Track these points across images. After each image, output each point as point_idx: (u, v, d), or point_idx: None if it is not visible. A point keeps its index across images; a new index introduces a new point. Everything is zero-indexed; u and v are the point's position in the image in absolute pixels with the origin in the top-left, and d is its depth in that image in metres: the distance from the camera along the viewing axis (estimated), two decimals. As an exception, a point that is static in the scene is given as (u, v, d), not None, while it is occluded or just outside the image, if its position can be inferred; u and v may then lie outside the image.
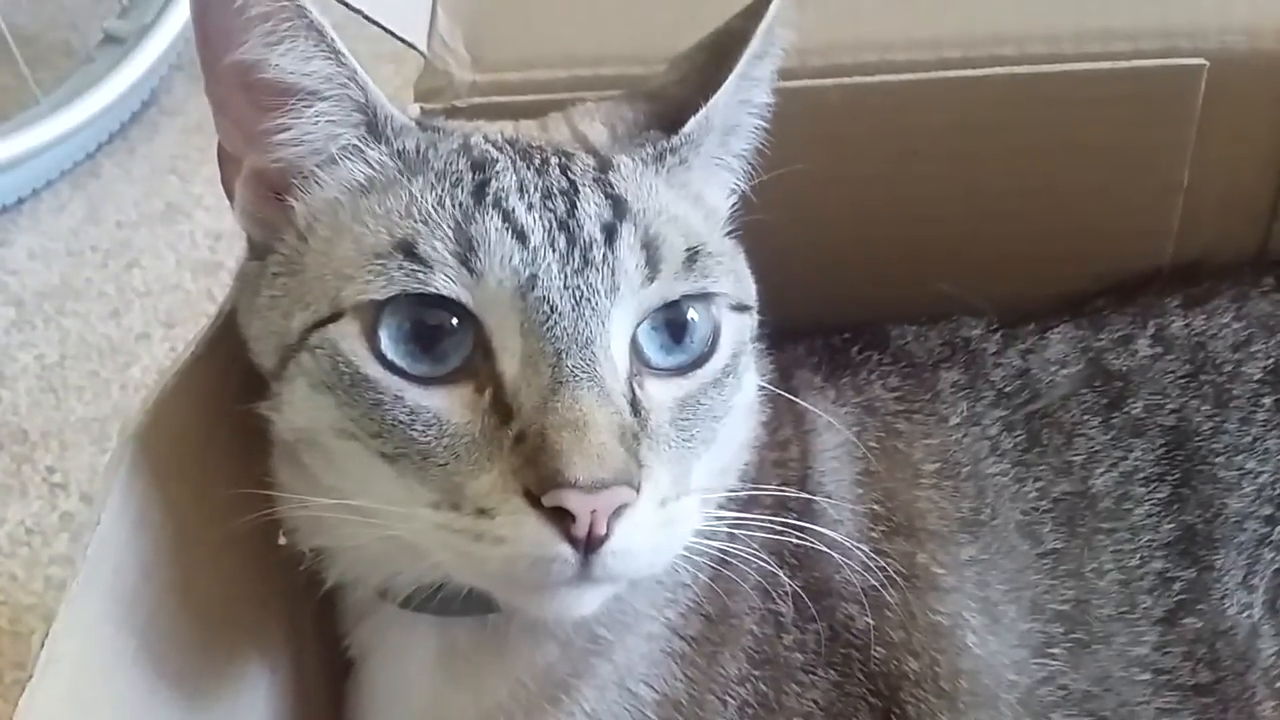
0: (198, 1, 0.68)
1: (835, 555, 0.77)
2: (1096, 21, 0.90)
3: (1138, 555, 0.82)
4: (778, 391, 0.81)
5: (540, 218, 0.66)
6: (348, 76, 0.69)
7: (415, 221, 0.66)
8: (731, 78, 0.74)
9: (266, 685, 0.82)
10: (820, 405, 0.85)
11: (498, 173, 0.68)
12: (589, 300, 0.65)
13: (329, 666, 0.86)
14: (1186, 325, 0.90)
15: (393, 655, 0.81)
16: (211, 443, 0.76)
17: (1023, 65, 0.89)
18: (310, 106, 0.69)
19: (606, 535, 0.62)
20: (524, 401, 0.64)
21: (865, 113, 0.90)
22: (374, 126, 0.71)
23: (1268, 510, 0.83)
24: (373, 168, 0.70)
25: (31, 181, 1.65)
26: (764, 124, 0.78)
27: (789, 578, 0.76)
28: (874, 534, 0.81)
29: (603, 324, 0.65)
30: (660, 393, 0.68)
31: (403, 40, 0.90)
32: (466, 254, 0.65)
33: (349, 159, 0.70)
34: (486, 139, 0.72)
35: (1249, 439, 0.85)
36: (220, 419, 0.75)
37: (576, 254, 0.66)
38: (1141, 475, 0.84)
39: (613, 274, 0.66)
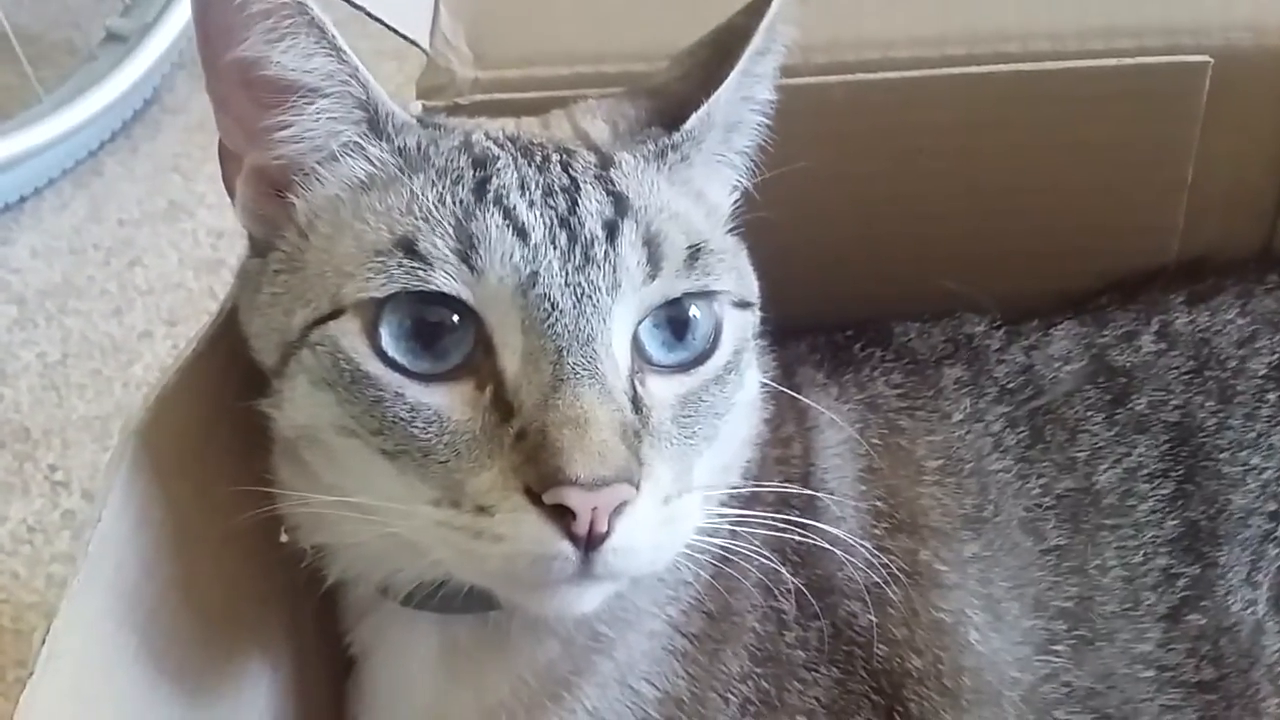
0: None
1: (838, 552, 0.77)
2: (1100, 18, 0.90)
3: (1141, 552, 0.82)
4: (780, 388, 0.80)
5: (541, 215, 0.66)
6: (349, 74, 0.69)
7: (416, 219, 0.66)
8: (733, 74, 0.74)
9: (268, 682, 0.82)
10: (823, 402, 0.85)
11: (499, 170, 0.68)
12: (590, 297, 0.65)
13: (330, 664, 0.86)
14: (1191, 321, 0.90)
15: (394, 653, 0.81)
16: (212, 440, 0.76)
17: (1026, 62, 0.89)
18: (311, 104, 0.69)
19: (607, 533, 0.62)
20: (525, 399, 0.64)
21: (869, 110, 0.90)
22: (375, 123, 0.71)
23: (1272, 506, 0.83)
24: (374, 165, 0.70)
25: (34, 180, 1.65)
26: (767, 121, 0.78)
27: (791, 575, 0.76)
28: (877, 531, 0.81)
29: (604, 321, 0.65)
30: (662, 390, 0.68)
31: (405, 37, 0.90)
32: (467, 251, 0.65)
33: (350, 156, 0.70)
34: (488, 136, 0.72)
35: (1253, 435, 0.85)
36: (221, 416, 0.75)
37: (578, 251, 0.66)
38: (1145, 471, 0.84)
39: (614, 271, 0.66)
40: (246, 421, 0.74)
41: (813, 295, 0.84)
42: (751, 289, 0.75)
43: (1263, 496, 0.83)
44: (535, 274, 0.65)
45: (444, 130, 0.72)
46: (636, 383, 0.67)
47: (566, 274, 0.65)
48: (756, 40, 0.74)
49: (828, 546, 0.76)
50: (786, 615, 0.78)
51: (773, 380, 0.80)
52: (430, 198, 0.67)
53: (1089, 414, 0.86)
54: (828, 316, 0.92)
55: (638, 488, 0.63)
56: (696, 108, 0.74)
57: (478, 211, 0.66)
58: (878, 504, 0.82)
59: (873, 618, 0.78)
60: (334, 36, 0.68)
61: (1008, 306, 0.92)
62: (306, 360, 0.68)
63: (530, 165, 0.69)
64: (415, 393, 0.65)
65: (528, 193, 0.67)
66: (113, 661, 0.67)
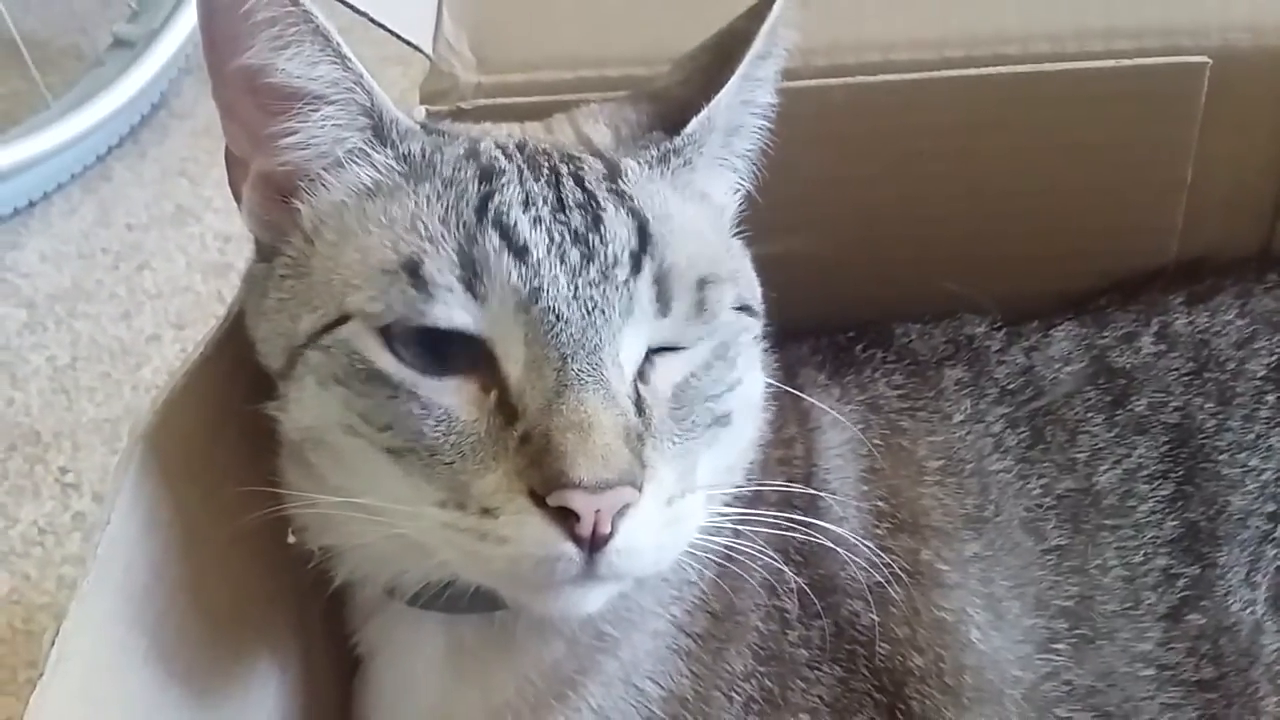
0: (204, 6, 0.68)
1: (840, 552, 0.77)
2: (1099, 20, 0.90)
3: (1141, 552, 0.82)
4: (782, 389, 0.81)
5: (548, 230, 0.66)
6: (353, 81, 0.70)
7: (421, 239, 0.66)
8: (734, 78, 0.74)
9: (276, 683, 0.82)
10: (825, 403, 0.85)
11: (504, 184, 0.68)
12: (602, 311, 0.65)
13: (337, 664, 0.86)
14: (1190, 322, 0.90)
15: (401, 653, 0.81)
16: (220, 443, 0.77)
17: (1026, 64, 0.89)
18: (316, 110, 0.70)
19: (611, 534, 0.63)
20: (529, 403, 0.65)
21: (869, 112, 0.90)
22: (380, 130, 0.71)
23: (1271, 507, 0.83)
24: (379, 171, 0.71)
25: (42, 185, 1.65)
26: (768, 124, 0.78)
27: (794, 574, 0.76)
28: (879, 530, 0.81)
29: (614, 336, 0.66)
30: (660, 381, 0.69)
31: (408, 43, 0.90)
32: (471, 278, 0.65)
33: (355, 163, 0.71)
34: (496, 144, 0.72)
35: (1252, 436, 0.85)
36: (228, 419, 0.76)
37: (593, 269, 0.66)
38: (1145, 472, 0.84)
39: (630, 299, 0.66)
40: (253, 424, 0.74)
41: (814, 297, 0.84)
42: (753, 292, 0.76)
43: (1261, 498, 0.83)
44: (538, 290, 0.65)
45: (449, 137, 0.73)
46: (639, 385, 0.68)
47: (576, 288, 0.65)
48: (757, 44, 0.74)
49: (830, 546, 0.76)
50: (789, 614, 0.79)
51: (775, 381, 0.80)
52: (435, 214, 0.67)
53: (1089, 415, 0.86)
54: (829, 318, 0.93)
55: (641, 489, 0.64)
56: (697, 112, 0.74)
57: (479, 235, 0.66)
58: (880, 504, 0.82)
59: (875, 617, 0.78)
60: (338, 44, 0.69)
61: (1008, 307, 0.92)
62: (315, 361, 0.68)
63: (538, 179, 0.69)
64: (427, 389, 0.66)
65: (533, 208, 0.67)
66: (122, 663, 0.68)
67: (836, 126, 0.89)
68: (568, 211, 0.68)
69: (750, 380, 0.74)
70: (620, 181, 0.71)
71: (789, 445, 0.84)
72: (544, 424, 0.63)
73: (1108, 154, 0.93)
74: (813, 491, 0.81)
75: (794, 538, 0.75)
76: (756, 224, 0.80)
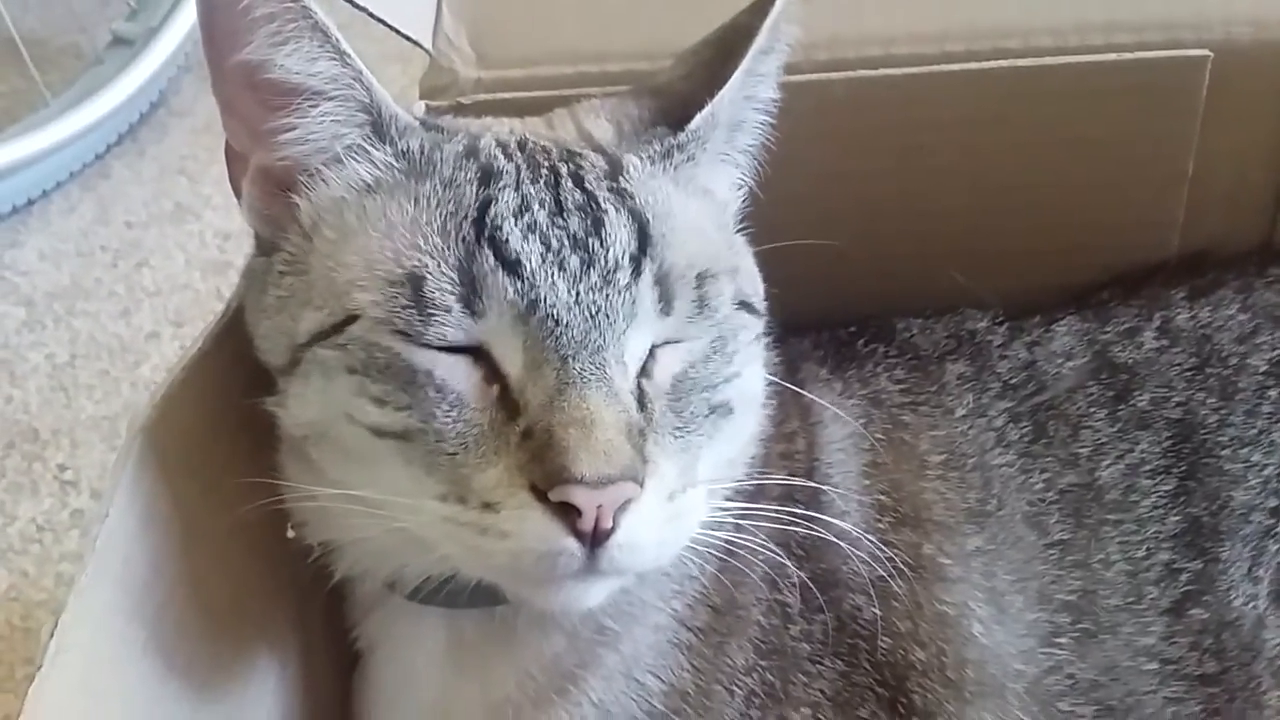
0: (204, 2, 0.68)
1: (842, 546, 0.77)
2: (1100, 14, 0.90)
3: (1144, 546, 0.82)
4: (784, 384, 0.81)
5: (544, 237, 0.66)
6: (352, 77, 0.70)
7: (422, 253, 0.66)
8: (737, 74, 0.74)
9: (275, 677, 0.82)
10: (827, 398, 0.85)
11: (502, 189, 0.68)
12: (606, 314, 0.66)
13: (338, 658, 0.86)
14: (1192, 317, 0.90)
15: (401, 647, 0.81)
16: (219, 437, 0.77)
17: (1027, 58, 0.90)
18: (315, 106, 0.70)
19: (612, 529, 0.63)
20: (530, 399, 0.65)
21: (870, 107, 0.90)
22: (379, 127, 0.71)
23: (1273, 503, 0.83)
24: (378, 168, 0.71)
25: (41, 183, 1.65)
26: (770, 120, 0.78)
27: (796, 568, 0.76)
28: (881, 525, 0.81)
29: (619, 337, 0.66)
30: (660, 373, 0.69)
31: (408, 38, 0.90)
32: (470, 296, 0.65)
33: (354, 159, 0.71)
34: (497, 142, 0.72)
35: (1254, 431, 0.85)
36: (228, 414, 0.76)
37: (594, 273, 0.66)
38: (1148, 467, 0.84)
39: (634, 302, 0.67)
40: (252, 419, 0.74)
41: (815, 292, 0.84)
42: (756, 289, 0.76)
43: (1263, 493, 0.83)
44: (535, 301, 0.65)
45: (448, 133, 0.72)
46: (641, 381, 0.68)
47: (577, 293, 0.65)
48: (760, 39, 0.74)
49: (832, 540, 0.76)
50: (791, 608, 0.78)
51: (777, 376, 0.80)
52: (435, 223, 0.67)
53: (1091, 410, 0.86)
54: (831, 313, 0.93)
55: (642, 485, 0.64)
56: (700, 107, 0.74)
57: (477, 252, 0.66)
58: (881, 498, 0.82)
59: (877, 611, 0.78)
60: (337, 40, 0.69)
61: (1010, 302, 0.92)
62: (325, 357, 0.68)
63: (537, 181, 0.69)
64: (444, 370, 0.66)
65: (529, 213, 0.67)
66: (121, 656, 0.68)
67: (837, 121, 0.89)
68: (566, 215, 0.67)
69: (750, 375, 0.74)
70: (622, 179, 0.71)
71: (791, 440, 0.84)
72: (546, 419, 0.63)
73: (1109, 148, 0.93)
74: (815, 485, 0.81)
75: (796, 532, 0.75)
76: (758, 219, 0.80)
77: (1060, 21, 0.90)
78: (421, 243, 0.67)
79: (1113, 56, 0.89)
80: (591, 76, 0.89)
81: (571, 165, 0.71)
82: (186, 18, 1.72)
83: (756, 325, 0.75)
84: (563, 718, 0.77)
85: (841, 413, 0.84)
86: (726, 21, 0.77)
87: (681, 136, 0.74)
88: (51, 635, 0.62)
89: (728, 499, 0.74)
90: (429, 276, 0.65)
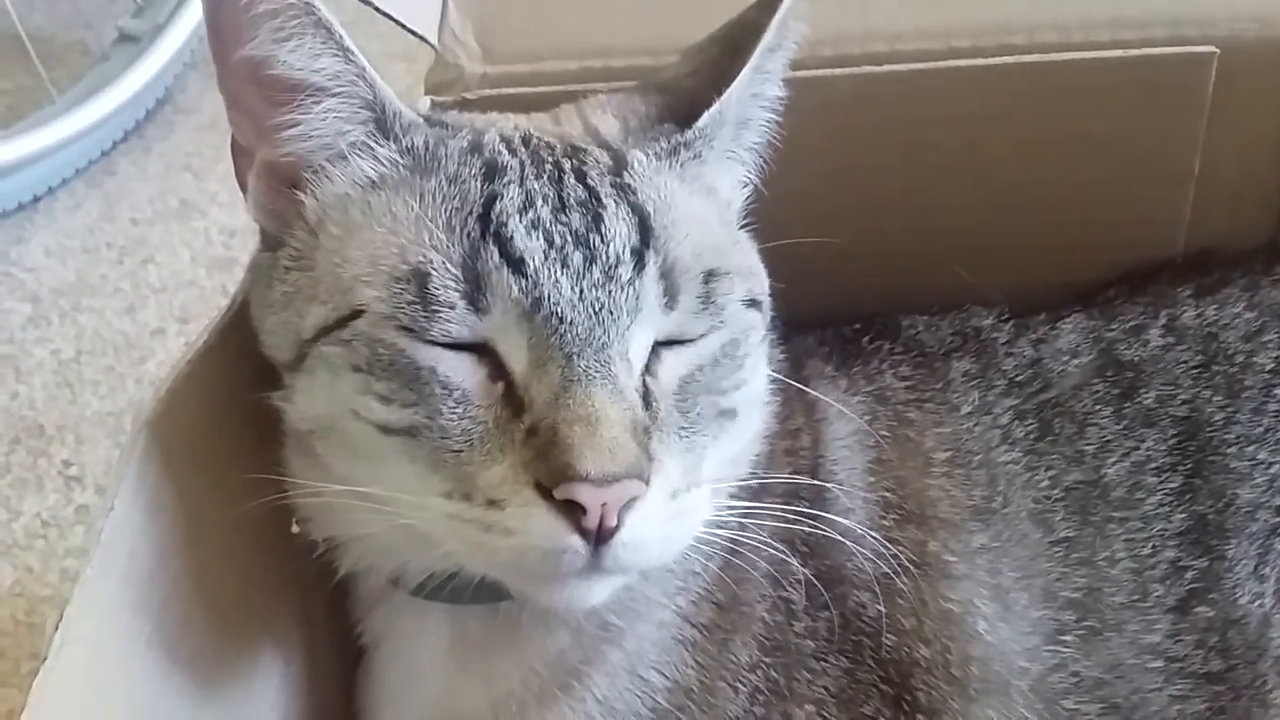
0: None
1: (847, 543, 0.77)
2: (1106, 10, 0.90)
3: (1150, 544, 0.82)
4: (789, 381, 0.81)
5: (547, 234, 0.66)
6: (356, 74, 0.70)
7: (427, 248, 0.66)
8: (745, 71, 0.74)
9: (279, 672, 0.82)
10: (832, 395, 0.85)
11: (506, 185, 0.68)
12: (610, 312, 0.65)
13: (341, 653, 0.86)
14: (1198, 315, 0.89)
15: (405, 643, 0.81)
16: (224, 432, 0.77)
17: (1032, 54, 0.89)
18: (319, 103, 0.70)
19: (617, 527, 0.63)
20: (535, 396, 0.65)
21: (875, 103, 0.90)
22: (382, 124, 0.71)
23: (1279, 500, 0.83)
24: (383, 164, 0.71)
25: (47, 179, 1.65)
26: (776, 118, 0.78)
27: (800, 565, 0.76)
28: (885, 522, 0.81)
29: (622, 333, 0.66)
30: (665, 374, 0.69)
31: (414, 33, 0.91)
32: (474, 293, 0.65)
33: (359, 155, 0.71)
34: (501, 138, 0.72)
35: (1261, 429, 0.85)
36: (233, 408, 0.76)
37: (597, 270, 0.66)
38: (1153, 465, 0.84)
39: (637, 297, 0.66)
40: (257, 414, 0.74)
41: (820, 289, 0.84)
42: (761, 285, 0.76)
43: (1270, 491, 0.83)
44: (539, 299, 0.65)
45: (453, 129, 0.72)
46: (647, 379, 0.68)
47: (580, 290, 0.65)
48: (768, 37, 0.74)
49: (837, 537, 0.76)
50: (795, 605, 0.78)
51: (781, 373, 0.80)
52: (440, 219, 0.67)
53: (1097, 407, 0.86)
54: (835, 310, 0.92)
55: (647, 483, 0.64)
56: (708, 104, 0.74)
57: (482, 248, 0.66)
58: (886, 495, 0.82)
59: (881, 608, 0.78)
60: (341, 36, 0.69)
61: (1015, 299, 0.92)
62: (330, 353, 0.68)
63: (540, 177, 0.69)
64: (447, 367, 0.66)
65: (533, 210, 0.67)
66: (125, 649, 0.68)
67: (843, 117, 0.89)
68: (568, 211, 0.67)
69: (755, 375, 0.74)
70: (626, 174, 0.71)
71: (796, 436, 0.84)
72: (551, 417, 0.63)
73: (1114, 145, 0.93)
74: (819, 483, 0.80)
75: (800, 529, 0.75)
76: (763, 216, 0.80)
77: (1066, 18, 0.90)
78: (426, 238, 0.67)
79: (1118, 53, 0.89)
80: (596, 72, 0.89)
81: (575, 161, 0.71)
82: (192, 14, 1.72)
83: (762, 323, 0.75)
84: (566, 714, 0.77)
85: (846, 410, 0.84)
86: (733, 18, 0.77)
87: (689, 134, 0.74)
88: (56, 628, 0.62)
89: (732, 496, 0.73)
90: (434, 273, 0.66)
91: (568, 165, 0.70)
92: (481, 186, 0.68)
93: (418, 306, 0.65)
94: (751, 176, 0.80)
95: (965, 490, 0.83)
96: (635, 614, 0.78)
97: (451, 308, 0.65)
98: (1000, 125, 0.91)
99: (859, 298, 0.92)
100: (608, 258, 0.66)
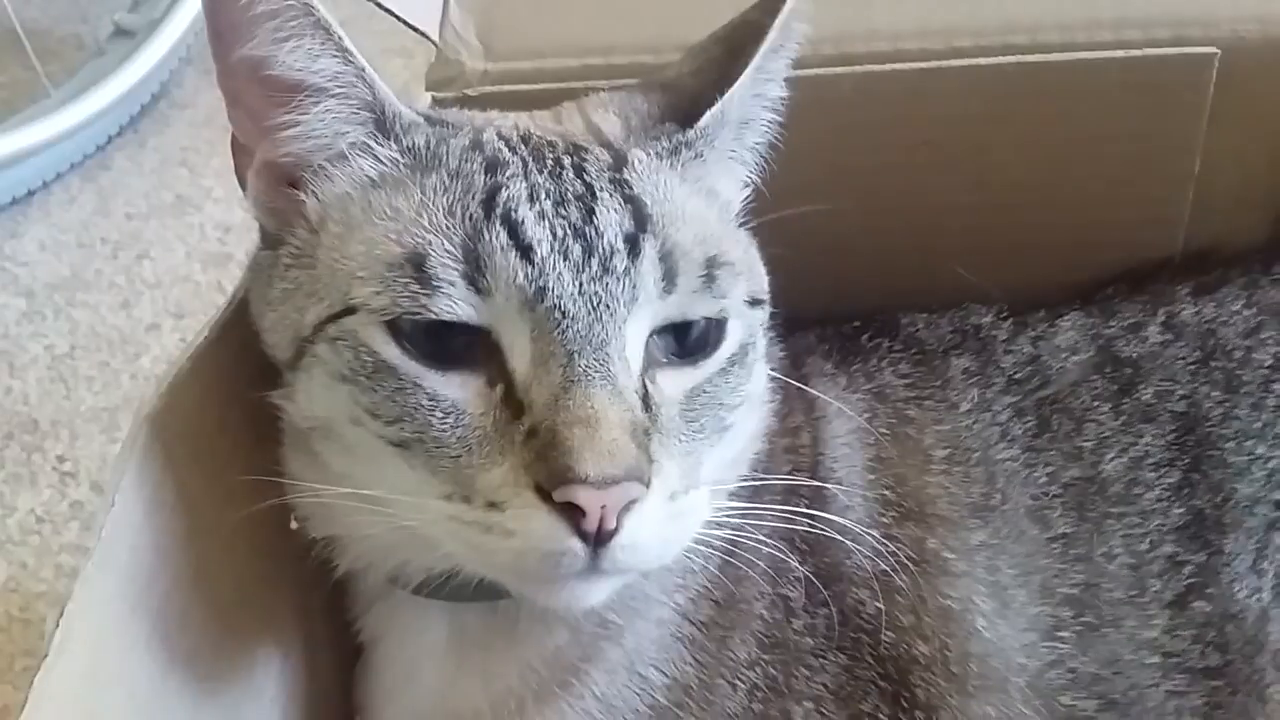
0: None
1: (846, 541, 0.77)
2: (1108, 10, 0.90)
3: (1147, 539, 0.82)
4: (788, 380, 0.81)
5: (551, 226, 0.66)
6: (355, 74, 0.69)
7: (425, 231, 0.66)
8: (747, 71, 0.74)
9: (278, 668, 0.82)
10: (831, 392, 0.85)
11: (509, 178, 0.68)
12: (607, 306, 0.65)
13: (340, 651, 0.86)
14: (1197, 312, 0.90)
15: (403, 640, 0.81)
16: (223, 428, 0.77)
17: (1034, 54, 0.89)
18: (318, 103, 0.70)
19: (616, 529, 0.63)
20: (535, 398, 0.65)
21: (876, 102, 0.90)
22: (382, 124, 0.71)
23: (1277, 495, 0.83)
24: (383, 163, 0.70)
25: (42, 174, 1.65)
26: (778, 118, 0.78)
27: (799, 563, 0.76)
28: (885, 519, 0.81)
29: (619, 328, 0.66)
30: (670, 385, 0.69)
31: (415, 29, 0.90)
32: (474, 273, 0.65)
33: (359, 155, 0.71)
34: (500, 136, 0.72)
35: (1259, 425, 0.85)
36: (233, 404, 0.76)
37: (594, 262, 0.66)
38: (1151, 460, 0.84)
39: (634, 286, 0.66)
40: (257, 412, 0.74)
41: (820, 287, 0.84)
42: (761, 284, 0.76)
43: (1268, 485, 0.84)
44: (543, 289, 0.65)
45: (453, 128, 0.72)
46: (647, 381, 0.67)
47: (580, 284, 0.65)
48: (771, 37, 0.74)
49: (836, 535, 0.77)
50: (794, 602, 0.79)
51: (781, 371, 0.81)
52: (440, 207, 0.67)
53: (1095, 404, 0.86)
54: (835, 308, 0.93)
55: (647, 485, 0.64)
56: (710, 104, 0.74)
57: (485, 230, 0.66)
58: (886, 493, 0.82)
59: (880, 605, 0.78)
60: (340, 37, 0.68)
61: (1014, 297, 0.92)
62: (324, 354, 0.68)
63: (542, 172, 0.69)
64: (433, 382, 0.66)
65: (537, 203, 0.67)
66: (126, 645, 0.68)
67: (844, 116, 0.89)
68: (567, 205, 0.67)
69: (754, 372, 0.74)
70: (625, 171, 0.70)
71: (795, 434, 0.84)
72: (550, 419, 0.63)
73: (1115, 145, 0.93)
74: (818, 482, 0.81)
75: (799, 527, 0.75)
76: (763, 213, 0.80)
77: (1068, 18, 0.90)
78: (425, 223, 0.67)
79: (1120, 53, 0.89)
80: (598, 69, 0.89)
81: (576, 158, 0.71)
82: (188, 10, 1.72)
83: (763, 317, 0.75)
84: (565, 711, 0.77)
85: (846, 407, 0.85)
86: (736, 17, 0.77)
87: (690, 134, 0.74)
88: (57, 624, 0.62)
89: (731, 495, 0.74)
90: (432, 253, 0.65)
91: (568, 162, 0.70)
92: (484, 180, 0.68)
93: (416, 286, 0.65)
94: (752, 176, 0.80)
95: (964, 487, 0.83)
96: (634, 611, 0.78)
97: (452, 284, 0.65)
98: (1002, 125, 0.91)
99: (858, 295, 0.92)
100: (603, 249, 0.66)
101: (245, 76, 0.70)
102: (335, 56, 0.69)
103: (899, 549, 0.79)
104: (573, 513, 0.62)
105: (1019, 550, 0.82)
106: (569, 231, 0.66)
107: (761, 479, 0.77)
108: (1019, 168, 0.93)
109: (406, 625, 0.81)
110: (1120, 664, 0.80)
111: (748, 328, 0.72)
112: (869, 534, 0.78)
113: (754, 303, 0.73)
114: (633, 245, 0.67)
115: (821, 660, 0.79)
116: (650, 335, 0.68)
